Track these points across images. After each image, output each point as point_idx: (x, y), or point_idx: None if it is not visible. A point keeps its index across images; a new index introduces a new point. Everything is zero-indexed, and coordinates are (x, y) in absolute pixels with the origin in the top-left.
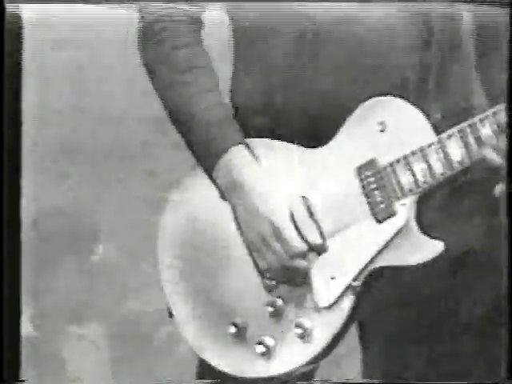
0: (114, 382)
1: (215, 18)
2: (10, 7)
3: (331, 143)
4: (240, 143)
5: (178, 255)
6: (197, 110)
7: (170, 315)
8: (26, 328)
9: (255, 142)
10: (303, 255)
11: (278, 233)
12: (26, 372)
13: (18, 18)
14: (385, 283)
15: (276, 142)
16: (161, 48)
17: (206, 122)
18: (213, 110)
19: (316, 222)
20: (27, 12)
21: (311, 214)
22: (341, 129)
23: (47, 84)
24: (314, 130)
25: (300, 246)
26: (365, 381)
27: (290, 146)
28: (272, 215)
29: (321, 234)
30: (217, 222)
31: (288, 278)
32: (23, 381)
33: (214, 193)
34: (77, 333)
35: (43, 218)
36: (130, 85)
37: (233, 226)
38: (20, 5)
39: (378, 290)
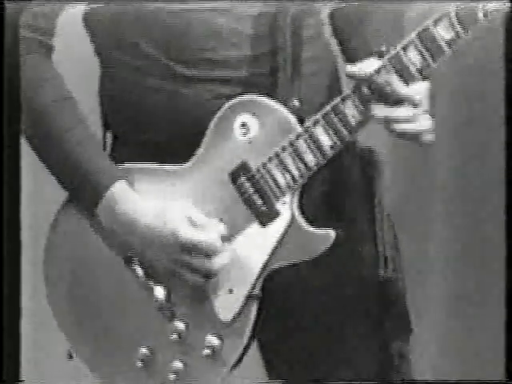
0: None
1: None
2: (10, 7)
3: (199, 154)
4: (118, 178)
5: (72, 298)
6: (65, 150)
7: (70, 357)
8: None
9: (129, 170)
10: (215, 247)
11: (189, 246)
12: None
13: (18, 18)
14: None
15: (146, 165)
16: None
17: (77, 163)
18: (81, 147)
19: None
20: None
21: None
22: (204, 137)
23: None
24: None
25: (213, 240)
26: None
27: (159, 167)
28: (177, 233)
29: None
30: (99, 256)
31: (187, 301)
32: (23, 381)
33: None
34: None
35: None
36: None
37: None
38: (20, 4)
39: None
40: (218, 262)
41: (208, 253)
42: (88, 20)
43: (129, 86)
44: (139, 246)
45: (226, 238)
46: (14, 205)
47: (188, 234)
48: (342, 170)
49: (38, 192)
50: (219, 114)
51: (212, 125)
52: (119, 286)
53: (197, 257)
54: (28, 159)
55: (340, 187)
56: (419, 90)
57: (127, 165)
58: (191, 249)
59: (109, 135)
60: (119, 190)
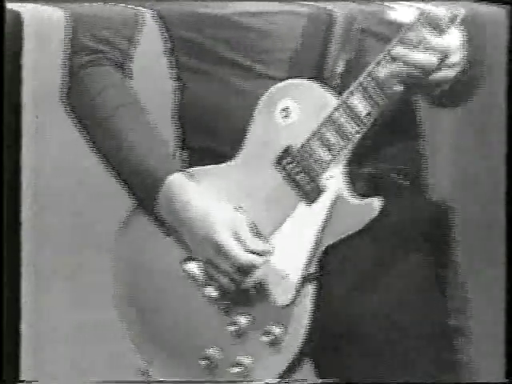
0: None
1: None
2: (9, 7)
3: (246, 147)
4: (177, 170)
5: (132, 305)
6: (129, 147)
7: (143, 373)
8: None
9: (190, 173)
10: (251, 266)
11: (222, 251)
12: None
13: (18, 18)
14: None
15: (202, 167)
16: (87, 92)
17: (140, 157)
18: (144, 143)
19: (256, 229)
20: (27, 11)
21: (251, 225)
22: (249, 129)
23: (47, 82)
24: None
25: (244, 258)
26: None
27: (214, 167)
28: (213, 237)
29: (262, 237)
30: (158, 260)
31: (244, 295)
32: (23, 381)
33: (156, 231)
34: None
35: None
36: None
37: (173, 262)
38: (20, 4)
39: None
40: (250, 257)
41: (237, 265)
42: (167, 30)
43: (211, 94)
44: (187, 233)
45: (262, 236)
46: (14, 205)
47: (223, 237)
48: (416, 218)
49: (39, 192)
50: (259, 104)
51: (254, 116)
52: (182, 289)
53: (227, 263)
54: (27, 157)
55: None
56: (452, 40)
57: (189, 170)
58: (223, 253)
59: (185, 153)
60: (177, 182)
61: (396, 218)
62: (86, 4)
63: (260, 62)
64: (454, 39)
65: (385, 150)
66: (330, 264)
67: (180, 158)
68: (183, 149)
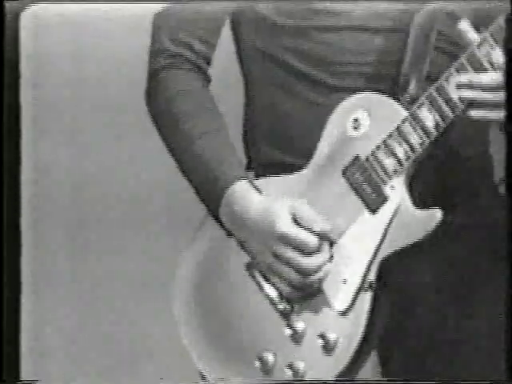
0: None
1: None
2: (9, 6)
3: (315, 157)
4: (241, 178)
5: (192, 308)
6: (198, 151)
7: (203, 378)
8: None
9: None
10: (317, 249)
11: (287, 239)
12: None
13: (17, 17)
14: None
15: (271, 177)
16: (164, 95)
17: (207, 162)
18: (213, 149)
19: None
20: (27, 11)
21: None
22: (320, 140)
23: (47, 81)
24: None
25: (311, 240)
26: (363, 381)
27: (284, 176)
28: (275, 225)
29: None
30: (223, 264)
31: (302, 298)
32: (23, 381)
33: (219, 235)
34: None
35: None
36: (133, 83)
37: (237, 264)
38: (20, 4)
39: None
40: (313, 260)
41: (303, 249)
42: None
43: (283, 106)
44: (246, 239)
45: (326, 239)
46: (14, 205)
47: (285, 226)
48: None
49: (38, 193)
50: (333, 115)
51: (327, 125)
52: (245, 293)
53: (293, 251)
54: (28, 162)
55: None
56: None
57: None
58: (288, 241)
59: (255, 169)
60: (239, 189)
61: (496, 228)
62: (168, 3)
63: (333, 75)
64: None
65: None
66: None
67: (246, 166)
68: (252, 163)
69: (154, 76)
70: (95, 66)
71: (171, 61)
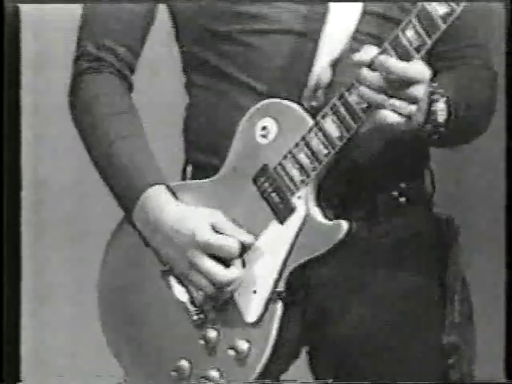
0: None
1: None
2: (9, 6)
3: (226, 163)
4: (155, 183)
5: (114, 315)
6: (115, 156)
7: (125, 381)
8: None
9: (174, 187)
10: (227, 282)
11: (206, 247)
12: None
13: (17, 17)
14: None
15: (187, 182)
16: (84, 97)
17: (123, 167)
18: (129, 154)
19: (237, 225)
20: (27, 11)
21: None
22: (231, 146)
23: (46, 81)
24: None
25: (233, 245)
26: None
27: (198, 181)
28: (196, 234)
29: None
30: (139, 271)
31: (215, 309)
32: (23, 381)
33: (136, 242)
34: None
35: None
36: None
37: (153, 271)
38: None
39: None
40: (228, 273)
41: (225, 255)
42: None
43: (213, 108)
44: (161, 245)
45: (248, 247)
46: (14, 205)
47: (205, 235)
48: (419, 235)
49: (39, 193)
50: (242, 121)
51: (236, 133)
52: (161, 301)
53: (211, 261)
54: (29, 162)
55: (414, 249)
56: (418, 68)
57: (172, 183)
58: (208, 249)
59: (189, 169)
60: (153, 193)
61: (399, 235)
62: (93, 2)
63: (253, 78)
64: (420, 68)
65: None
66: (322, 278)
67: (159, 170)
68: (188, 163)
69: (75, 78)
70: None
71: (94, 64)
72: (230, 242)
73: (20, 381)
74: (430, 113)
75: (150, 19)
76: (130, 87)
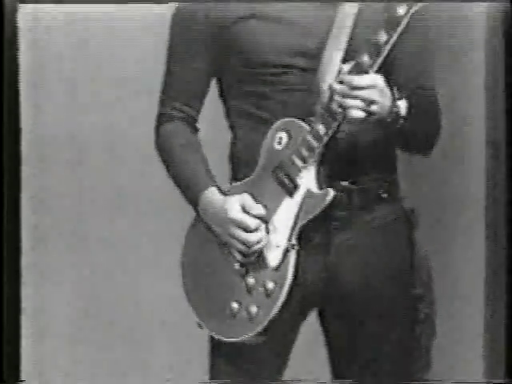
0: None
1: None
2: (9, 6)
3: (257, 166)
4: (210, 185)
5: (187, 274)
6: (187, 171)
7: (200, 326)
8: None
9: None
10: (256, 228)
11: (236, 222)
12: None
13: (17, 17)
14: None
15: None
16: (166, 142)
17: (192, 175)
18: (196, 169)
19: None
20: (27, 11)
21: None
22: (259, 154)
23: (46, 79)
24: None
25: (251, 222)
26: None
27: (240, 183)
28: (228, 213)
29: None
30: (207, 245)
31: (250, 253)
32: (23, 381)
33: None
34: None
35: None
36: (133, 83)
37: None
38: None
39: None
40: (253, 237)
41: (246, 228)
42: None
43: (250, 140)
44: (214, 225)
45: (263, 219)
46: (14, 205)
47: (234, 214)
48: (395, 220)
49: (39, 193)
50: (266, 137)
51: (262, 144)
52: (219, 266)
53: (240, 230)
54: (29, 163)
55: (387, 235)
56: (371, 77)
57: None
58: (237, 224)
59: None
60: (209, 193)
61: (382, 221)
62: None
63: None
64: (372, 78)
65: (369, 168)
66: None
67: (213, 177)
68: (235, 179)
69: (158, 127)
70: (95, 65)
71: (168, 118)
72: (247, 220)
73: (20, 381)
74: (394, 107)
75: (211, 74)
76: (196, 130)
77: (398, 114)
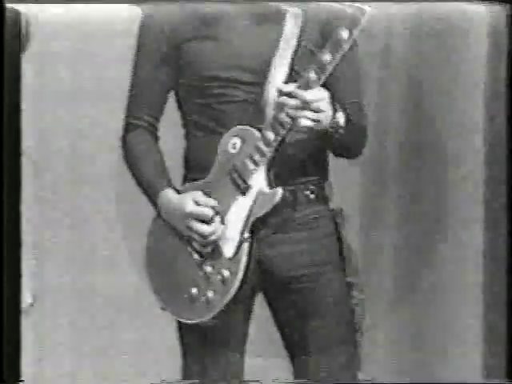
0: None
1: None
2: (9, 6)
3: (212, 168)
4: (167, 187)
5: (153, 259)
6: (147, 175)
7: (163, 309)
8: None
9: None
10: (211, 219)
11: (193, 215)
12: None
13: (17, 17)
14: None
15: (189, 184)
16: (130, 150)
17: (151, 178)
18: (155, 173)
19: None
20: (27, 11)
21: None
22: (215, 157)
23: (45, 78)
24: None
25: (206, 211)
26: (362, 381)
27: (195, 183)
28: (185, 208)
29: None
30: (168, 238)
31: (207, 243)
32: (23, 381)
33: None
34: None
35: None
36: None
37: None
38: (20, 4)
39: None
40: (208, 228)
41: (203, 218)
42: None
43: (203, 147)
44: (172, 220)
45: (217, 213)
46: (14, 205)
47: (190, 207)
48: (323, 217)
49: (38, 193)
50: (221, 141)
51: (218, 149)
52: (180, 256)
53: (196, 222)
54: (29, 162)
55: (318, 233)
56: (318, 92)
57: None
58: (193, 216)
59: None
60: (165, 193)
61: (307, 218)
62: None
63: (226, 128)
64: (319, 92)
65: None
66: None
67: (169, 179)
68: (186, 179)
69: (124, 135)
70: (95, 65)
71: (133, 127)
72: (203, 210)
73: (20, 381)
74: (334, 118)
75: (169, 87)
76: (156, 137)
77: (337, 124)
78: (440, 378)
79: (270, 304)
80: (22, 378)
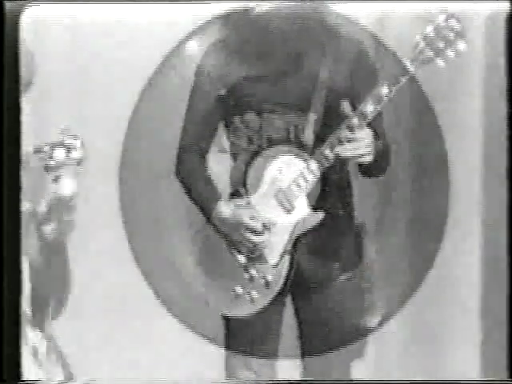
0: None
1: None
2: (9, 6)
3: (259, 188)
4: (220, 200)
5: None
6: (203, 196)
7: (207, 304)
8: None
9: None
10: (260, 232)
11: (248, 227)
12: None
13: (17, 17)
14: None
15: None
16: (184, 172)
17: (204, 195)
18: (208, 193)
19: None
20: (27, 11)
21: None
22: (262, 179)
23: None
24: None
25: (258, 226)
26: (362, 381)
27: (244, 200)
28: (243, 220)
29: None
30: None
31: (254, 251)
32: (23, 381)
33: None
34: None
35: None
36: (133, 82)
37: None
38: (20, 4)
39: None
40: (258, 238)
41: (255, 231)
42: None
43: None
44: (226, 228)
45: (266, 227)
46: (14, 205)
47: (246, 220)
48: (339, 238)
49: (38, 194)
50: (269, 166)
51: (267, 171)
52: (227, 260)
53: (250, 233)
54: (29, 163)
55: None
56: (366, 132)
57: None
58: (247, 227)
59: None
60: (219, 206)
61: (337, 231)
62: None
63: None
64: (366, 132)
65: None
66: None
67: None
68: (232, 195)
69: (180, 152)
70: (95, 65)
71: (190, 149)
72: (257, 225)
73: (20, 381)
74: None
75: (219, 121)
76: (205, 159)
77: (378, 152)
78: (440, 376)
79: (294, 304)
80: (23, 378)
